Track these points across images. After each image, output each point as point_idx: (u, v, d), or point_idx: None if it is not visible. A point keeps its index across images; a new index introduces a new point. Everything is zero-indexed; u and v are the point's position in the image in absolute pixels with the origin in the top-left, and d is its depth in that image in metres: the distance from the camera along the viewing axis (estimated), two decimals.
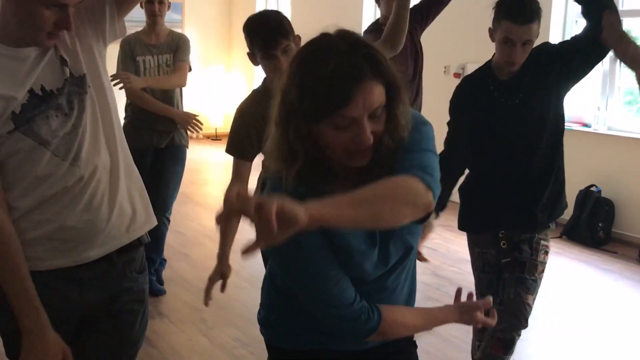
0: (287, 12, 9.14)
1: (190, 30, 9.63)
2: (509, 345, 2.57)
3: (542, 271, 2.55)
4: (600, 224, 5.22)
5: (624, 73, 5.48)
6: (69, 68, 1.60)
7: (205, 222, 5.63)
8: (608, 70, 5.50)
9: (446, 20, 4.44)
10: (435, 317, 1.54)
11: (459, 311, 1.56)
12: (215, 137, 9.92)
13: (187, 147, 3.99)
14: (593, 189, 5.34)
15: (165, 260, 4.11)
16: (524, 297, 2.51)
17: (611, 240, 5.26)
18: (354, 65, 1.24)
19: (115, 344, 1.70)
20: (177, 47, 3.88)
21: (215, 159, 8.30)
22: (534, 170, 2.52)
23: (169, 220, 3.96)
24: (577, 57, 2.47)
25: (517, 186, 2.52)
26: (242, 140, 2.40)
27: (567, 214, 5.47)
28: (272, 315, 1.58)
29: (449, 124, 2.67)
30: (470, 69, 6.43)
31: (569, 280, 4.44)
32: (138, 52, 3.77)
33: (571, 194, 5.47)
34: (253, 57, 2.38)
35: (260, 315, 1.61)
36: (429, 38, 4.16)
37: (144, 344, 3.18)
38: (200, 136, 9.93)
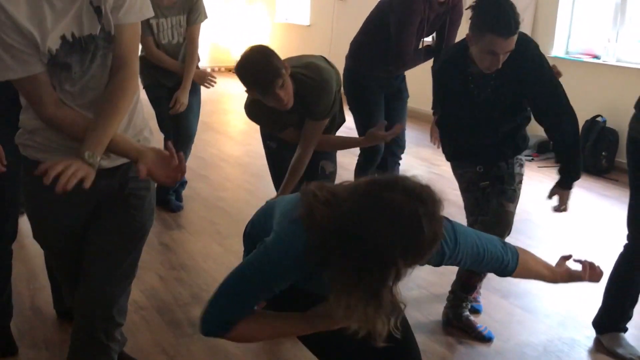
0: None
1: None
2: None
3: (520, 182, 2.77)
4: (603, 153, 5.38)
5: (635, 5, 5.52)
6: (102, 21, 1.76)
7: (224, 148, 5.92)
8: (620, 1, 5.54)
9: None
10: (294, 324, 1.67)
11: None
12: None
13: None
14: (599, 119, 5.48)
15: (185, 181, 4.40)
16: (506, 206, 2.73)
17: (614, 169, 5.43)
18: (439, 219, 1.41)
19: (125, 223, 1.96)
20: (190, 9, 3.88)
21: (235, 90, 8.49)
22: (502, 130, 2.70)
23: (190, 149, 4.23)
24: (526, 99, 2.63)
25: (486, 139, 2.70)
26: (272, 122, 2.77)
27: None
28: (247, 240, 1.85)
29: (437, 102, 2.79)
30: None
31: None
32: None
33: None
34: (253, 94, 2.60)
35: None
36: None
37: (164, 250, 3.55)
38: (222, 69, 10.12)
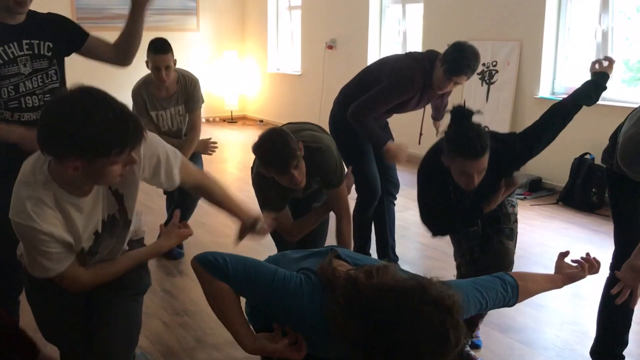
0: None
1: (204, 16, 9.95)
2: None
3: (515, 221, 2.88)
4: (593, 190, 5.49)
5: (616, 46, 5.72)
6: (124, 205, 1.95)
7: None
8: (601, 42, 5.75)
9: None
10: None
11: None
12: (231, 120, 10.27)
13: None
14: (587, 156, 5.61)
15: None
16: (505, 243, 2.83)
17: (604, 205, 5.52)
18: (462, 327, 1.50)
19: (124, 285, 2.09)
20: (188, 98, 4.02)
21: (231, 139, 8.66)
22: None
23: (195, 207, 4.34)
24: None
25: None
26: (278, 197, 2.86)
27: (563, 180, 5.76)
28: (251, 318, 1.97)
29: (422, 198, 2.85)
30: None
31: (559, 239, 4.75)
32: (151, 107, 4.00)
33: (566, 162, 5.77)
34: (268, 173, 2.73)
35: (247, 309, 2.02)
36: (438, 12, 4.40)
37: (166, 296, 3.60)
38: (217, 119, 10.29)
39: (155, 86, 3.98)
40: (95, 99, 1.63)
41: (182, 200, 4.20)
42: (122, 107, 1.67)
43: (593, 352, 2.84)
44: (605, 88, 2.88)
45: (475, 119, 2.55)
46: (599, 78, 2.87)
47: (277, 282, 1.68)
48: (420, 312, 1.44)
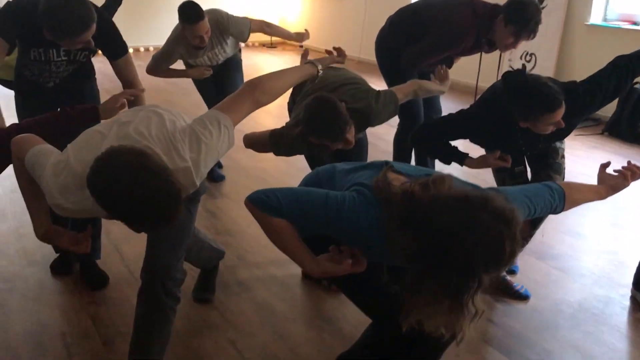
0: None
1: None
2: (537, 222, 2.87)
3: (563, 157, 2.84)
4: None
5: None
6: None
7: (261, 121, 6.04)
8: None
9: None
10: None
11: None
12: (271, 45, 10.18)
13: (240, 53, 4.34)
14: (636, 86, 5.44)
15: None
16: (554, 178, 2.80)
17: None
18: (518, 240, 1.49)
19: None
20: (232, 35, 3.97)
21: (270, 65, 8.61)
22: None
23: None
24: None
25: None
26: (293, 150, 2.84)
27: (610, 110, 5.62)
28: None
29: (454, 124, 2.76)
30: None
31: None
32: (188, 57, 3.99)
33: None
34: (318, 142, 2.64)
35: None
36: None
37: (209, 216, 3.70)
38: (256, 44, 10.22)
39: (189, 41, 3.90)
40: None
41: None
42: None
43: (635, 280, 2.84)
44: None
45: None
46: None
47: (330, 207, 1.70)
48: (478, 219, 1.46)
